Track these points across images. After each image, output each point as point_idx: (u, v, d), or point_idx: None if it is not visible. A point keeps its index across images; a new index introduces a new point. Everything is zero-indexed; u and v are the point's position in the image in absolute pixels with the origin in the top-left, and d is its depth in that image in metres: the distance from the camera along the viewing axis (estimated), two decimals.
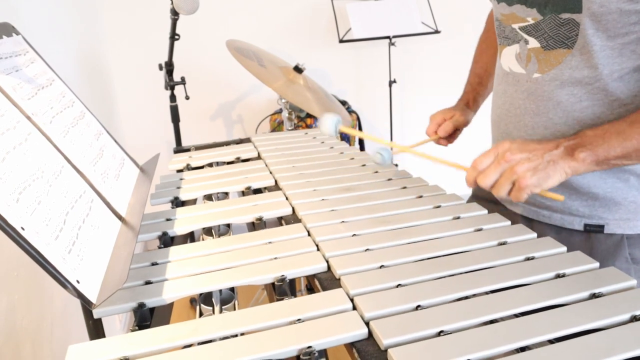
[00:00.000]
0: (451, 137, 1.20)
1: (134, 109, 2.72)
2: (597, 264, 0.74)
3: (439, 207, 0.97)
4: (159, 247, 0.89)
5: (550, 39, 0.89)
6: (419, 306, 0.66)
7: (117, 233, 0.81)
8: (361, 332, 0.62)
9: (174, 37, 1.87)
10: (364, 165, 1.23)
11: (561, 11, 0.86)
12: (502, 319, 0.63)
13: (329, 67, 2.85)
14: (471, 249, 0.81)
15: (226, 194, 1.13)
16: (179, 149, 1.49)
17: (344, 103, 2.69)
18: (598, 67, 0.86)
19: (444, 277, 0.73)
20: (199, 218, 0.98)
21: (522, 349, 0.58)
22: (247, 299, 2.32)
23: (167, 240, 0.93)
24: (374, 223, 0.90)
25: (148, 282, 0.75)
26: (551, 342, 0.59)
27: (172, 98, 2.03)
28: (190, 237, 0.99)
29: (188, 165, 1.31)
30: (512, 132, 1.00)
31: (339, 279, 0.74)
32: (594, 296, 0.67)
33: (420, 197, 1.02)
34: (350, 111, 2.67)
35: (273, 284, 0.75)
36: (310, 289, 0.79)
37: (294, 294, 0.75)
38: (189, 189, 1.14)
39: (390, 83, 2.57)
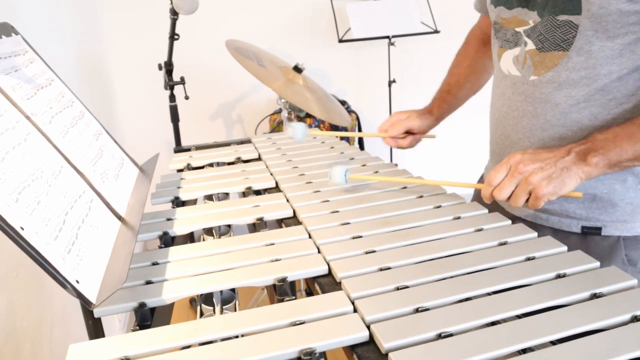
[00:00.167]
0: (404, 139, 1.18)
1: (133, 109, 2.72)
2: (597, 264, 0.74)
3: (439, 207, 0.97)
4: (160, 247, 0.89)
5: (546, 41, 0.89)
6: (419, 308, 0.65)
7: (117, 233, 0.81)
8: (362, 335, 0.61)
9: (173, 37, 1.87)
10: (364, 165, 1.23)
11: (559, 13, 0.86)
12: (504, 320, 0.63)
13: (328, 67, 2.85)
14: (472, 249, 0.81)
15: (227, 194, 1.13)
16: (180, 148, 1.49)
17: (343, 103, 2.69)
18: (596, 67, 0.86)
19: (445, 278, 0.73)
20: (200, 218, 0.97)
21: (524, 351, 0.58)
22: (246, 299, 2.32)
23: (167, 240, 0.92)
24: (375, 224, 0.90)
25: (149, 282, 0.75)
26: (553, 343, 0.59)
27: (172, 98, 2.03)
28: (191, 237, 0.99)
29: (188, 165, 1.31)
30: (511, 134, 1.00)
31: (340, 282, 0.74)
32: (594, 296, 0.67)
33: (421, 197, 1.02)
34: (349, 111, 2.67)
35: (274, 285, 0.75)
36: (310, 294, 0.78)
37: (294, 294, 0.75)
38: (190, 189, 1.14)
39: (390, 83, 2.57)
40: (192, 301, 2.08)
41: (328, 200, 1.02)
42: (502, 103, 1.02)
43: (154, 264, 0.81)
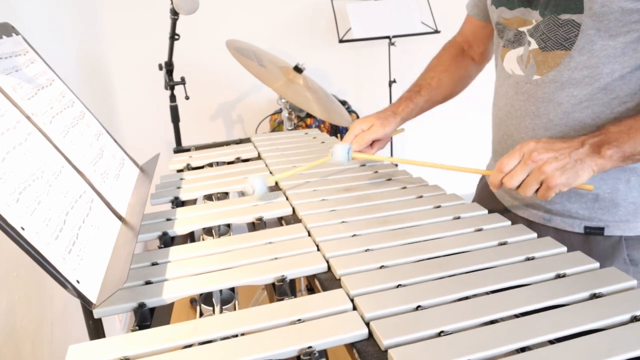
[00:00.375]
0: (372, 148, 1.13)
1: (134, 109, 2.72)
2: (597, 264, 0.74)
3: (439, 207, 0.97)
4: (159, 247, 0.89)
5: (549, 40, 0.89)
6: (419, 306, 0.66)
7: (117, 233, 0.81)
8: (361, 332, 0.62)
9: (173, 37, 1.87)
10: (363, 165, 1.23)
11: (561, 12, 0.86)
12: (503, 319, 0.63)
13: (328, 67, 2.85)
14: (471, 249, 0.81)
15: (226, 194, 1.13)
16: (179, 148, 1.49)
17: (344, 103, 2.69)
18: (598, 66, 0.86)
19: (444, 277, 0.73)
20: (199, 218, 0.98)
21: (523, 350, 0.58)
22: (247, 298, 2.32)
23: (167, 240, 0.93)
24: (374, 223, 0.90)
25: (148, 282, 0.75)
26: (551, 342, 0.59)
27: (172, 98, 2.03)
28: (191, 237, 0.99)
29: (188, 165, 1.31)
30: (513, 133, 1.00)
31: (339, 279, 0.74)
32: (594, 296, 0.67)
33: (421, 197, 1.02)
34: (350, 111, 2.67)
35: (273, 284, 0.75)
36: (311, 290, 0.79)
37: (294, 294, 0.75)
38: (189, 189, 1.14)
39: (390, 83, 2.57)
40: (192, 301, 2.08)
41: (327, 199, 1.02)
42: (505, 102, 1.02)
43: (154, 264, 0.81)
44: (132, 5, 2.57)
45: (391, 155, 2.68)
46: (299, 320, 0.64)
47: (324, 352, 0.62)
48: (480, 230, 0.87)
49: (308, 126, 2.49)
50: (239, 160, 1.34)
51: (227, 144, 1.48)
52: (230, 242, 0.87)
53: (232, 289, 0.78)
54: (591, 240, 0.95)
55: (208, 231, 0.96)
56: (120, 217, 0.86)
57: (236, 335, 0.63)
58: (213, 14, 2.64)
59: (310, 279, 0.79)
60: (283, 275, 0.75)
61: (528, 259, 0.77)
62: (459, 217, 0.92)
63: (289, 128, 2.25)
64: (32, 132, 0.78)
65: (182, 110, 2.10)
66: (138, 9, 2.58)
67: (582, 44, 0.86)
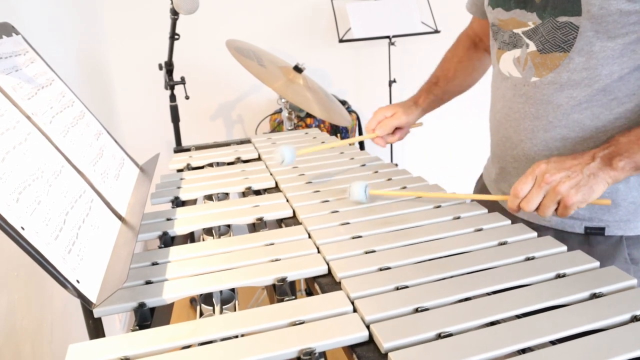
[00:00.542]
0: (393, 135, 1.17)
1: (134, 108, 2.72)
2: (597, 264, 0.74)
3: (439, 207, 0.97)
4: (159, 247, 0.89)
5: (547, 43, 0.89)
6: (419, 308, 0.65)
7: (117, 233, 0.81)
8: (362, 334, 0.62)
9: (173, 37, 1.86)
10: (363, 165, 1.23)
11: (559, 14, 0.86)
12: (503, 320, 0.63)
13: (328, 67, 2.85)
14: (471, 249, 0.81)
15: (226, 194, 1.13)
16: (179, 148, 1.49)
17: (343, 103, 2.69)
18: (597, 68, 0.86)
19: (445, 278, 0.73)
20: (200, 218, 0.98)
21: (524, 351, 0.58)
22: (247, 298, 2.32)
23: (167, 240, 0.93)
24: (374, 224, 0.90)
25: (148, 282, 0.75)
26: (553, 343, 0.59)
27: (172, 98, 2.03)
28: (191, 237, 0.99)
29: (188, 165, 1.31)
30: (512, 136, 1.00)
31: (340, 282, 0.74)
32: (594, 296, 0.67)
33: (420, 197, 1.02)
34: (350, 111, 2.67)
35: (273, 284, 0.75)
36: (310, 294, 0.78)
37: (294, 294, 0.75)
38: (190, 189, 1.14)
39: (390, 83, 2.57)
40: (193, 301, 2.08)
41: (328, 201, 1.02)
42: (503, 105, 1.01)
43: (154, 264, 0.81)
44: (132, 5, 2.57)
45: (391, 156, 2.68)
46: (299, 322, 0.64)
47: (323, 354, 0.62)
48: (480, 230, 0.87)
49: (308, 126, 2.49)
50: (239, 160, 1.34)
51: (227, 144, 1.48)
52: (231, 242, 0.87)
53: (232, 289, 0.78)
54: (591, 240, 0.95)
55: (208, 231, 0.96)
56: (120, 217, 0.86)
57: (236, 336, 0.63)
58: (213, 14, 2.64)
59: (310, 283, 0.79)
60: (283, 276, 0.75)
61: (528, 259, 0.77)
62: (459, 217, 0.92)
63: (289, 128, 2.24)
64: (32, 132, 0.78)
65: (182, 110, 2.10)
66: (138, 9, 2.57)
67: (581, 46, 0.86)
